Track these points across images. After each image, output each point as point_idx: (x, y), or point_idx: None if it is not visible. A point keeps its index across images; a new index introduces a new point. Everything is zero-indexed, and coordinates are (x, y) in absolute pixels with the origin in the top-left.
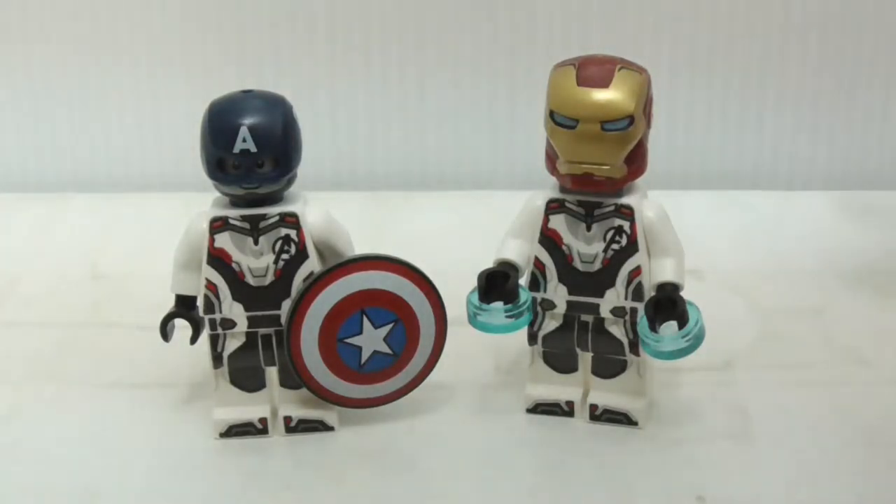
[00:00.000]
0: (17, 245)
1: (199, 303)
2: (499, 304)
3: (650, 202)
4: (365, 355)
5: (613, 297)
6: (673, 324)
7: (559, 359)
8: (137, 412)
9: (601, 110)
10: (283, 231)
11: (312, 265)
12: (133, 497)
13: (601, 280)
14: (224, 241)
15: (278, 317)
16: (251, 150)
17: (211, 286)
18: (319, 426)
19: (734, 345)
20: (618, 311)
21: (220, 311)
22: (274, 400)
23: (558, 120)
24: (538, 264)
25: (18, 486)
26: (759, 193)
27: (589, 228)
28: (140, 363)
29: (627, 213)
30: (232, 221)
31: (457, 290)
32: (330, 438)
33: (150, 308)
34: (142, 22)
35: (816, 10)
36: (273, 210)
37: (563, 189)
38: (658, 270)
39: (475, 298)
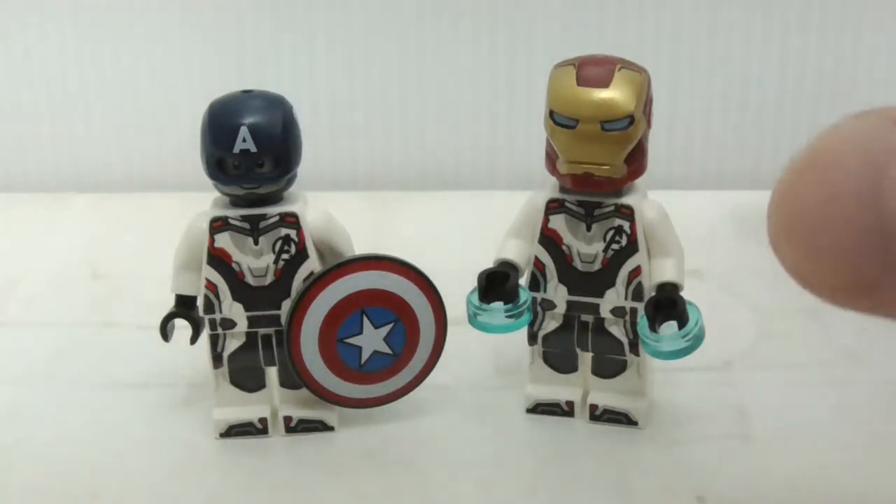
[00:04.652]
0: (17, 245)
1: (199, 303)
2: (499, 304)
3: (650, 202)
4: (365, 355)
5: (613, 297)
6: (673, 324)
7: (559, 359)
8: (137, 412)
9: (601, 110)
10: (283, 231)
11: (312, 265)
12: (133, 497)
13: (601, 280)
14: (224, 241)
15: (278, 317)
16: (251, 150)
17: (211, 286)
18: (319, 426)
19: (734, 345)
20: (618, 311)
21: (220, 311)
22: (274, 400)
23: (558, 120)
24: (538, 264)
25: (19, 486)
26: (758, 193)
27: (589, 228)
28: (140, 363)
29: (627, 213)
30: (232, 221)
31: (457, 290)
32: (330, 438)
33: (150, 308)
34: (141, 21)
35: (818, 9)
36: (273, 210)
37: (563, 189)
38: (658, 270)
39: (475, 298)
